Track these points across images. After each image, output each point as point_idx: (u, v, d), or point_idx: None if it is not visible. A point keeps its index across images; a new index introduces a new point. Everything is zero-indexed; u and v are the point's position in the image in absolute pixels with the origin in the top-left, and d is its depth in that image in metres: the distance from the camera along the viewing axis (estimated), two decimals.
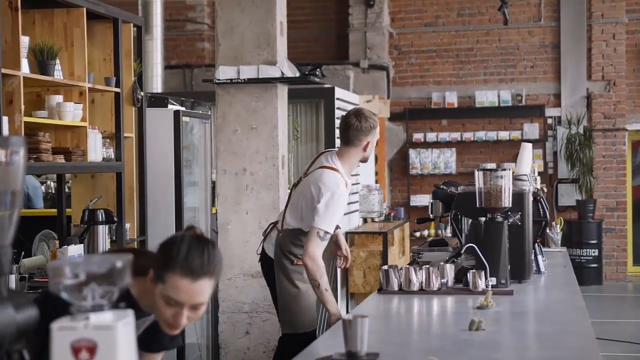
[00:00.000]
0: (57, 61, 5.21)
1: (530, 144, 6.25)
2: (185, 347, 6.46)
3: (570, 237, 13.06)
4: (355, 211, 10.20)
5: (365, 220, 10.59)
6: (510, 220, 4.92)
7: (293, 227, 4.98)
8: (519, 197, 5.00)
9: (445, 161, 13.56)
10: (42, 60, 5.04)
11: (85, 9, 5.44)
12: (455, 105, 13.60)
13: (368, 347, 3.06)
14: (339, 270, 8.03)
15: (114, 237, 5.88)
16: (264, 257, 5.13)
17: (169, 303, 2.59)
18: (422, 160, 13.66)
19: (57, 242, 5.68)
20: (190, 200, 6.79)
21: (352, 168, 5.02)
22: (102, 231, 5.70)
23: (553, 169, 13.48)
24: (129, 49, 6.09)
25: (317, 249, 4.76)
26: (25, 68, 4.89)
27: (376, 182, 12.72)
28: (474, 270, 4.60)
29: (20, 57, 4.82)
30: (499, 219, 4.82)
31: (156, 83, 10.59)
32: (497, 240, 4.75)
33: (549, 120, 13.52)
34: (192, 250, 2.58)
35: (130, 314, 1.98)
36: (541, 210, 5.53)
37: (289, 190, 5.41)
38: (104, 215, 5.71)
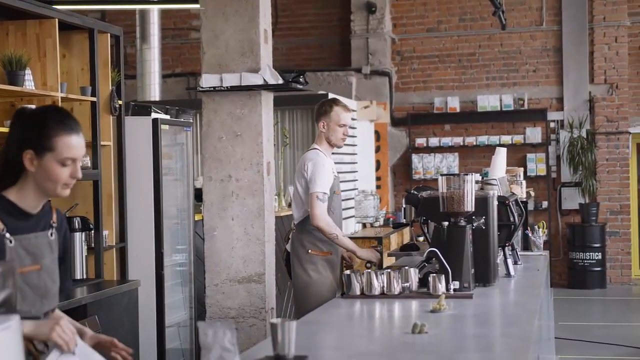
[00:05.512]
0: (29, 71, 5.28)
1: (505, 149, 6.28)
2: (166, 352, 6.53)
3: (574, 241, 13.05)
4: (351, 217, 10.25)
5: (364, 226, 10.63)
6: (475, 224, 4.95)
7: (302, 218, 5.60)
8: (483, 201, 5.03)
9: (447, 166, 13.56)
10: (11, 70, 5.12)
11: (57, 20, 5.51)
12: (458, 110, 13.62)
13: (303, 349, 3.10)
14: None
15: (92, 244, 5.96)
16: (287, 257, 5.73)
17: (64, 164, 2.95)
18: (425, 165, 13.67)
19: None
20: (172, 207, 6.85)
21: (327, 148, 5.74)
22: (79, 238, 5.78)
23: (556, 173, 13.45)
24: (107, 58, 6.16)
25: (320, 210, 5.48)
26: None
27: (378, 187, 12.77)
28: (434, 274, 4.64)
29: None
30: (462, 223, 4.85)
31: (154, 91, 10.61)
32: (459, 245, 4.78)
33: (552, 124, 13.49)
34: (61, 114, 3.00)
35: (14, 319, 2.03)
36: (510, 214, 5.55)
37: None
38: (80, 223, 5.79)
